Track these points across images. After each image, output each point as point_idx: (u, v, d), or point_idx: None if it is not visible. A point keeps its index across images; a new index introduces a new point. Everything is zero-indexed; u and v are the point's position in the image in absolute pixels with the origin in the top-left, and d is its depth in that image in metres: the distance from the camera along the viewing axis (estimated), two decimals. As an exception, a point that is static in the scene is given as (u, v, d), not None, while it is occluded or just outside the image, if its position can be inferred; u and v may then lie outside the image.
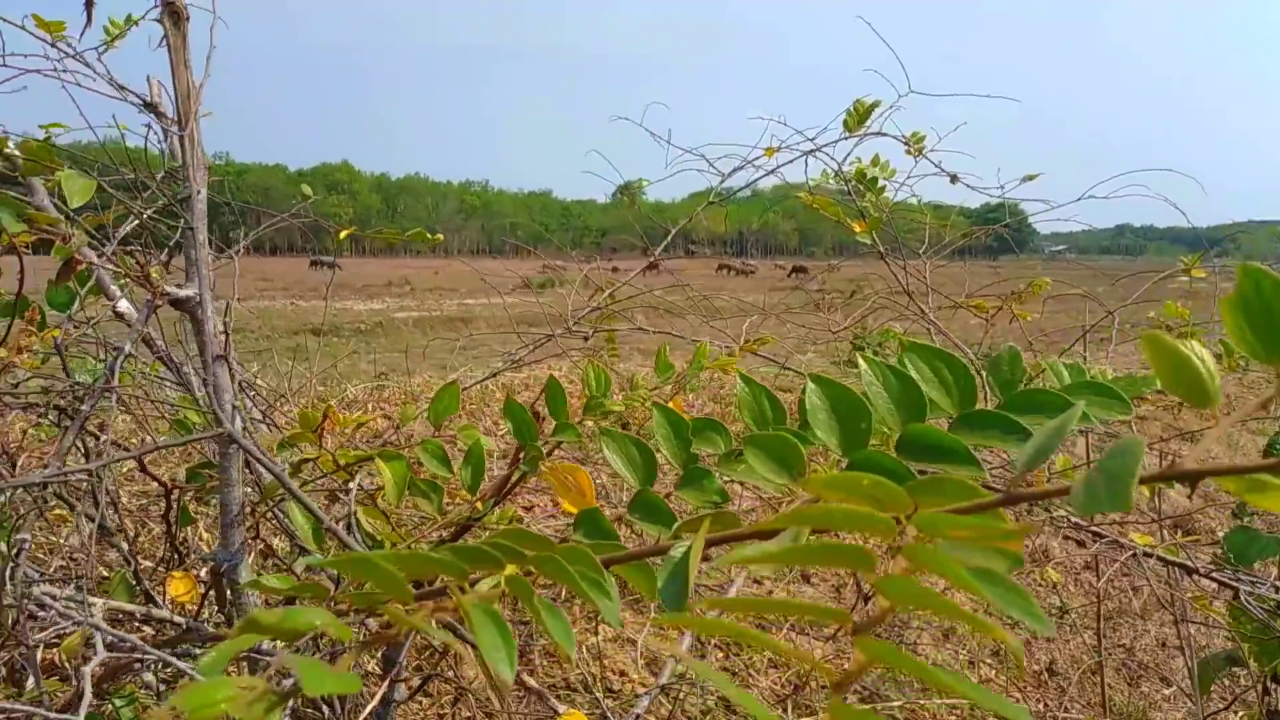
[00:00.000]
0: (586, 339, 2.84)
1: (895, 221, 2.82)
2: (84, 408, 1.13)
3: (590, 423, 1.15)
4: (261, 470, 1.26)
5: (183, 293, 1.17)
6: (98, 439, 1.54)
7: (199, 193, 1.21)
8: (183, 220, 1.20)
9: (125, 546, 1.53)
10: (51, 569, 2.28)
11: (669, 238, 3.46)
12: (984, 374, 0.71)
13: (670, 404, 0.78)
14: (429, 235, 1.96)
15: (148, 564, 1.94)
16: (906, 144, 2.44)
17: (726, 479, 0.72)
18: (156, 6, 1.25)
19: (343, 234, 2.04)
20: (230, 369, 1.21)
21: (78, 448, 1.52)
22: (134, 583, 1.41)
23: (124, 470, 3.11)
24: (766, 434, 0.64)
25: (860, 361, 0.67)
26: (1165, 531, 2.47)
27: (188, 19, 1.13)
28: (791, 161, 2.65)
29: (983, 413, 0.63)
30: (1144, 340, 0.44)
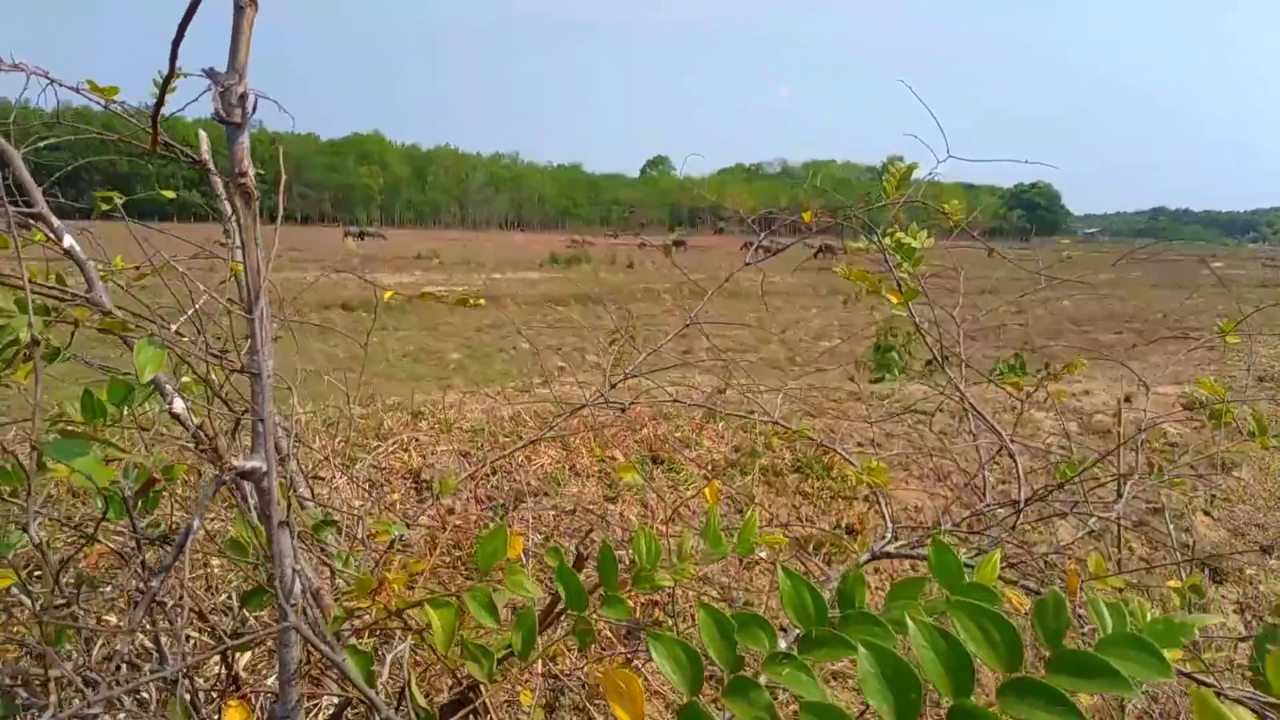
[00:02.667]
0: (624, 409, 2.75)
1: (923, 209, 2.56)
2: (154, 584, 1.13)
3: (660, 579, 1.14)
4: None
5: (249, 465, 1.14)
6: (164, 607, 1.57)
7: (267, 375, 1.19)
8: (251, 389, 1.18)
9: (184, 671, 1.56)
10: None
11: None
12: (1030, 617, 0.75)
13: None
14: (474, 301, 2.07)
15: (202, 683, 1.89)
16: (944, 213, 2.36)
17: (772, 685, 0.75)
18: (210, 86, 1.14)
19: (387, 295, 2.09)
20: (290, 530, 1.21)
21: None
22: (192, 713, 1.42)
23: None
24: (818, 704, 0.71)
25: (909, 623, 0.71)
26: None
27: (257, 198, 1.11)
28: (834, 220, 2.65)
29: (1029, 681, 0.67)
30: (1193, 699, 0.49)
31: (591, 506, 3.10)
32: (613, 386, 2.73)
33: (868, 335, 21.15)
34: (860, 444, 4.05)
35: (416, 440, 3.67)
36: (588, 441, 3.52)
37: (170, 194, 2.39)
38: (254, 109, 1.02)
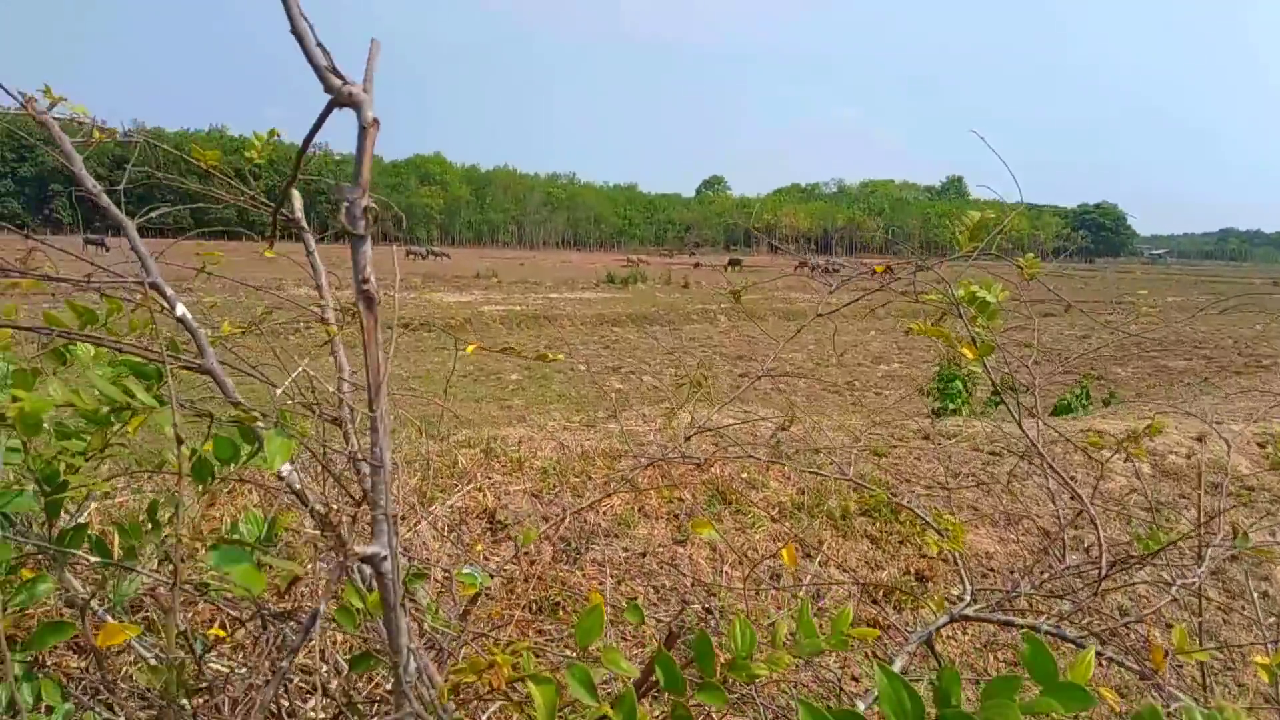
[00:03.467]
0: (700, 465, 2.65)
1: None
2: (283, 664, 1.18)
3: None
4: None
5: (370, 550, 1.16)
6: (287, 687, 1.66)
7: (388, 466, 1.17)
8: (371, 479, 1.17)
9: None
10: None
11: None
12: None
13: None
14: (553, 356, 2.09)
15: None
16: (1020, 267, 2.33)
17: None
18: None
19: (470, 348, 2.11)
20: (406, 610, 1.24)
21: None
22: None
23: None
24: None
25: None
26: None
27: (380, 302, 1.12)
28: (900, 279, 2.66)
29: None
30: None
31: (661, 550, 3.13)
32: (687, 439, 2.53)
33: (928, 359, 20.91)
34: (929, 486, 4.02)
35: (490, 480, 3.72)
36: (655, 482, 3.49)
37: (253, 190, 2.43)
38: (375, 221, 1.08)
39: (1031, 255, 2.52)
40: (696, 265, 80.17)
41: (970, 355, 2.27)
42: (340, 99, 1.02)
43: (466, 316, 26.62)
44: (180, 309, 1.66)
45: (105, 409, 1.29)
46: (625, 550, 3.15)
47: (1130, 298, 39.74)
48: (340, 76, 1.01)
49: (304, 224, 2.34)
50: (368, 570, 1.36)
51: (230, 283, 2.28)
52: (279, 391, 1.77)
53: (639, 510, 3.29)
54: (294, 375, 1.78)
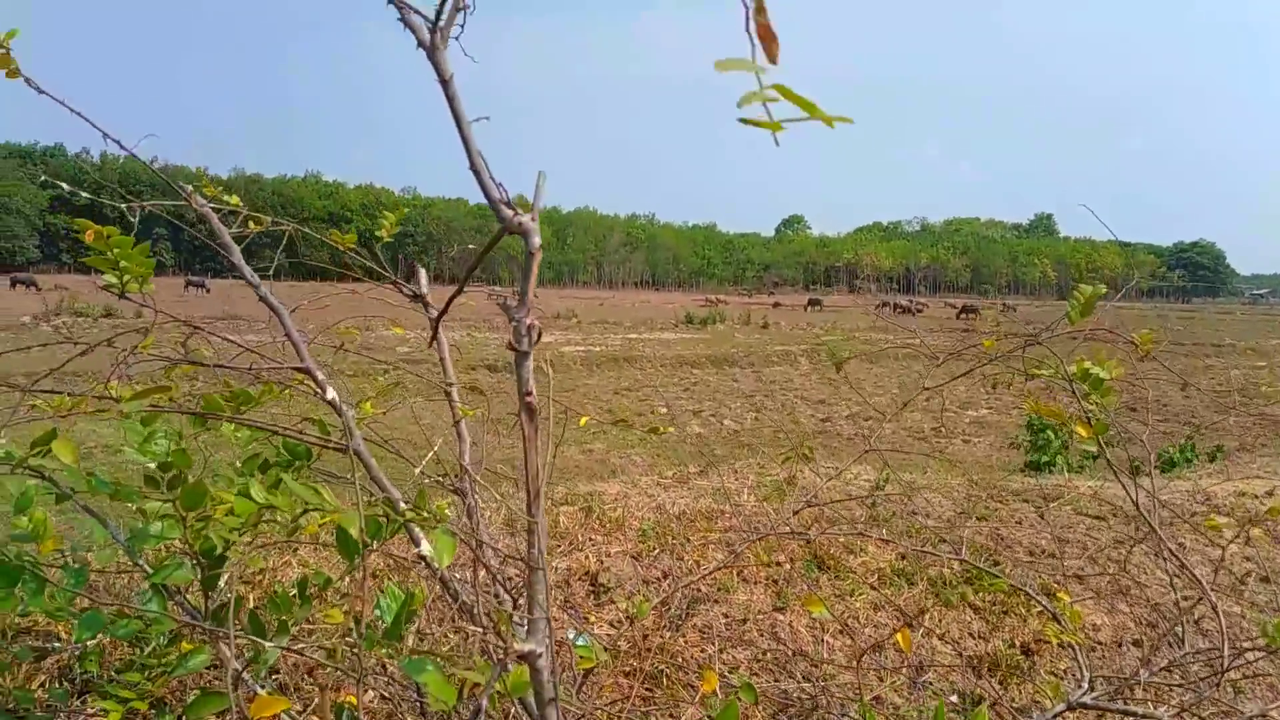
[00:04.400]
0: (808, 541, 2.67)
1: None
2: None
3: None
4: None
5: (525, 648, 1.22)
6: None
7: (544, 568, 1.23)
8: (529, 579, 1.25)
9: None
10: None
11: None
12: None
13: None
14: (664, 429, 2.23)
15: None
16: (1135, 344, 2.29)
17: None
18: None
19: (582, 421, 2.18)
20: (556, 705, 1.30)
21: None
22: None
23: None
24: None
25: None
26: None
27: (539, 413, 1.16)
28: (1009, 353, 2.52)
29: None
30: None
31: (761, 617, 3.13)
32: (795, 514, 2.54)
33: (1017, 404, 20.30)
34: (1032, 553, 3.92)
35: (591, 540, 3.76)
36: (754, 546, 3.48)
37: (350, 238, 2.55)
38: (538, 338, 1.16)
39: (1146, 331, 2.46)
40: (776, 305, 79.93)
41: (1084, 434, 2.23)
42: (511, 228, 1.09)
43: (548, 357, 26.85)
44: (330, 393, 1.77)
45: (299, 510, 1.37)
46: (725, 616, 3.16)
47: (1232, 341, 38.01)
48: (512, 208, 1.09)
49: (428, 299, 2.45)
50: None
51: (332, 325, 2.39)
52: (418, 470, 1.87)
53: (738, 574, 3.30)
54: (429, 455, 1.87)
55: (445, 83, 1.05)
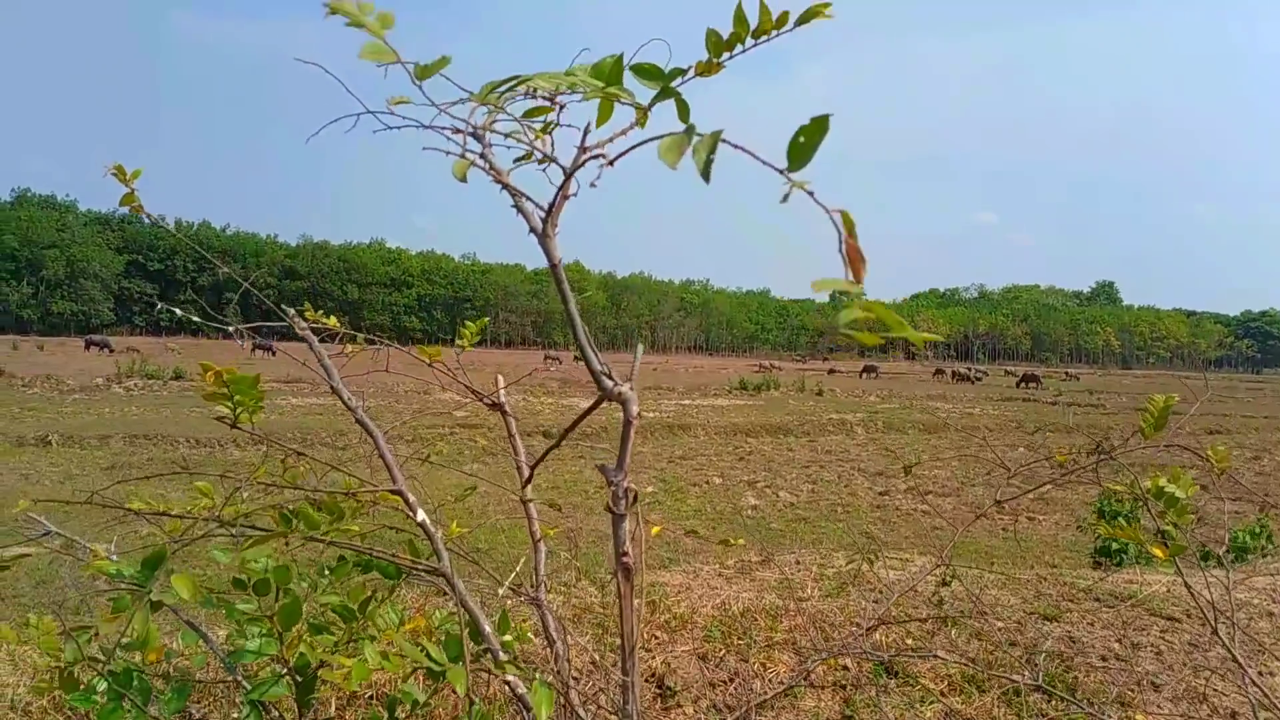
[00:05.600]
0: (884, 663, 2.66)
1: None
2: None
3: None
4: None
5: None
6: None
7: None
8: None
9: None
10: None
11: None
12: None
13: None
14: (734, 542, 2.37)
15: None
16: (1207, 459, 2.20)
17: None
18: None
19: (655, 530, 2.10)
20: None
21: None
22: None
23: None
24: None
25: None
26: None
27: (635, 572, 1.23)
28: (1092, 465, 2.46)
29: None
30: None
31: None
32: (869, 631, 2.53)
33: (1083, 481, 19.72)
34: (1104, 657, 3.81)
35: (655, 638, 3.74)
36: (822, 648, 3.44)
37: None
38: (634, 501, 1.22)
39: (1222, 448, 2.44)
40: (831, 371, 79.42)
41: (1160, 555, 2.21)
42: (611, 397, 1.16)
43: (603, 424, 26.76)
44: (420, 515, 1.85)
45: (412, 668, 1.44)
46: (793, 723, 3.13)
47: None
48: (613, 379, 1.16)
49: (507, 408, 2.53)
50: None
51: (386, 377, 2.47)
52: (502, 591, 1.93)
53: (805, 679, 3.27)
54: (516, 570, 1.94)
55: (555, 266, 1.14)
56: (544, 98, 1.36)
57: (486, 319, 2.81)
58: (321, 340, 2.05)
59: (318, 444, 20.83)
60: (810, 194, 0.78)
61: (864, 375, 72.57)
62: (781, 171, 0.80)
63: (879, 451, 24.05)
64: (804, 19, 1.32)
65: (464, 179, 1.15)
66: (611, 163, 1.01)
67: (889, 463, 21.67)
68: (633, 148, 1.04)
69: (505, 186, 1.18)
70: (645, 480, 18.81)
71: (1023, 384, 61.45)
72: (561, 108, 1.36)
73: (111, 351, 55.57)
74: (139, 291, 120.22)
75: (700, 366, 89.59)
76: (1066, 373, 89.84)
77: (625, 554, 1.20)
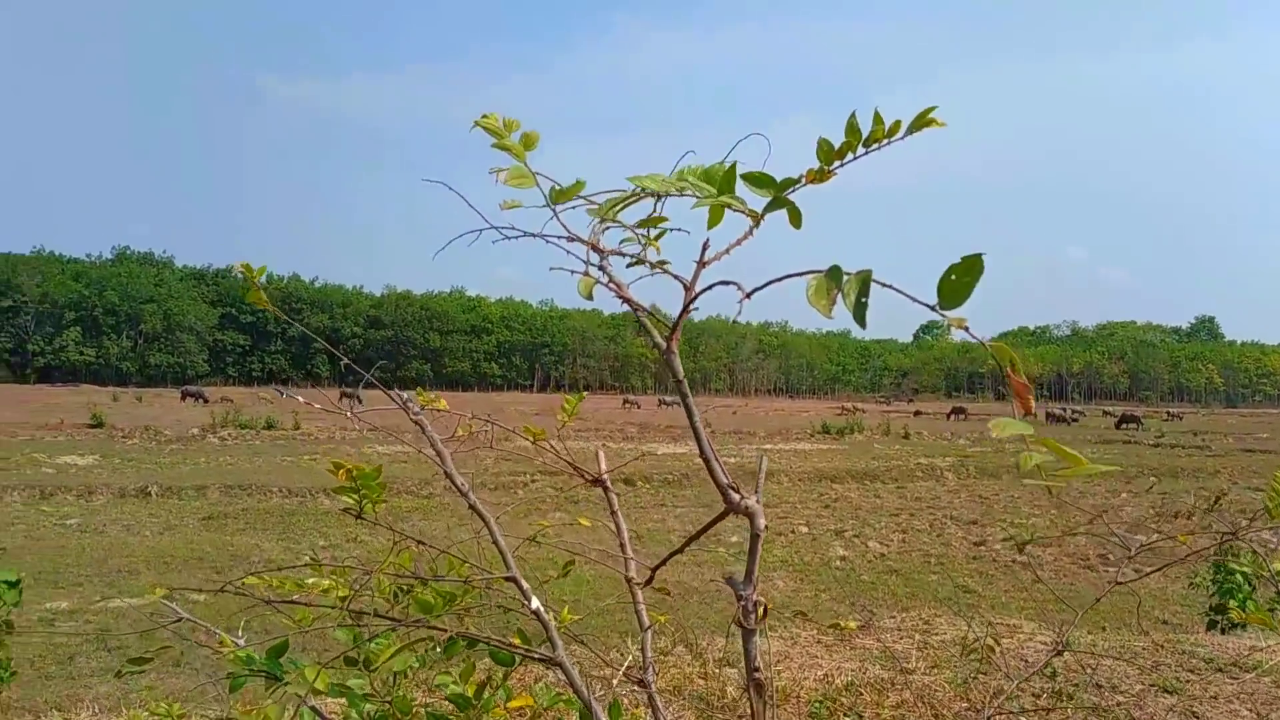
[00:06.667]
0: None
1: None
2: None
3: None
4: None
5: None
6: None
7: None
8: None
9: None
10: None
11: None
12: None
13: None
14: (846, 625, 2.64)
15: None
16: None
17: None
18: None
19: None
20: None
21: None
22: None
23: None
24: None
25: None
26: None
27: (768, 688, 1.22)
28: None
29: None
30: None
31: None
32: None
33: (1191, 528, 18.74)
34: (1235, 734, 3.59)
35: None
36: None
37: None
38: (764, 615, 1.21)
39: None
40: (916, 413, 77.55)
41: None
42: (737, 510, 1.17)
43: (683, 470, 26.43)
44: (535, 603, 1.87)
45: None
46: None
47: None
48: (739, 492, 1.17)
49: (608, 484, 2.54)
50: None
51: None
52: (615, 681, 1.94)
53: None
54: (628, 661, 1.94)
55: (680, 381, 1.16)
56: (651, 194, 1.40)
57: (584, 393, 2.85)
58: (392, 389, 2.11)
59: (403, 492, 21.26)
60: (966, 329, 0.79)
61: (952, 417, 70.72)
62: (933, 308, 0.81)
63: (972, 499, 23.29)
64: (915, 127, 1.33)
65: (590, 297, 1.18)
66: (749, 295, 1.03)
67: (983, 511, 20.97)
68: (769, 283, 1.06)
69: (627, 301, 1.22)
70: (730, 529, 18.61)
71: (1122, 425, 58.98)
72: (657, 199, 1.40)
73: (206, 401, 57.80)
74: (231, 343, 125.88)
75: (781, 409, 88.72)
76: (1168, 412, 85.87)
77: (757, 669, 1.19)
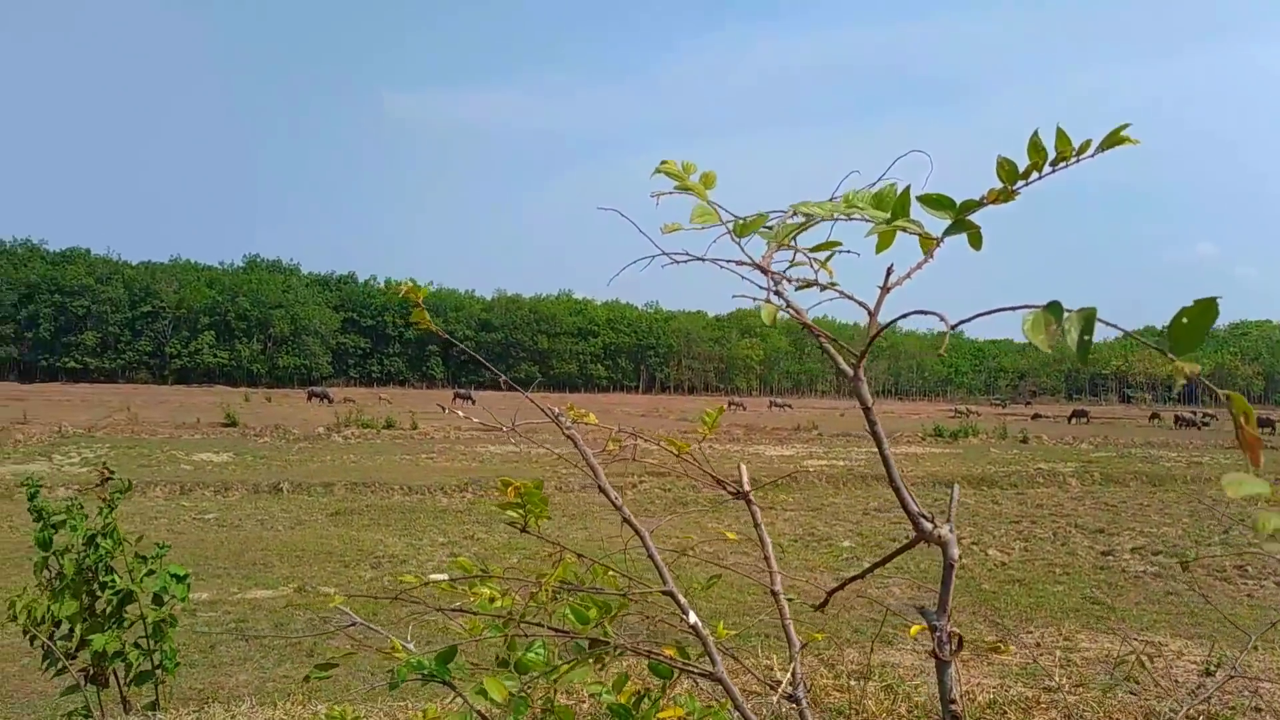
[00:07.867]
0: None
1: None
2: None
3: None
4: None
5: None
6: None
7: None
8: None
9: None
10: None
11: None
12: None
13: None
14: (1004, 649, 2.73)
15: None
16: None
17: None
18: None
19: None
20: None
21: None
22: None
23: None
24: None
25: None
26: None
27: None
28: None
29: None
30: None
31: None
32: None
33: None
34: None
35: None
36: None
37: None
38: (959, 647, 1.20)
39: None
40: (1035, 417, 74.41)
41: None
42: (930, 539, 1.16)
43: (789, 472, 26.03)
44: (693, 617, 1.90)
45: None
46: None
47: None
48: (930, 520, 1.16)
49: (750, 496, 2.55)
50: None
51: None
52: (776, 699, 1.94)
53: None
54: (789, 673, 1.95)
55: (867, 409, 1.16)
56: (816, 217, 1.40)
57: (724, 407, 2.86)
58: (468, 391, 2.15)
59: (518, 492, 21.64)
60: (1199, 379, 0.77)
61: (1073, 420, 67.64)
62: (1164, 352, 0.79)
63: (1097, 506, 22.22)
64: (1105, 145, 1.29)
65: (774, 323, 1.19)
66: (954, 328, 1.02)
67: (1110, 519, 19.99)
68: (977, 315, 1.05)
69: (807, 327, 1.22)
70: (842, 533, 18.30)
71: (1261, 428, 55.19)
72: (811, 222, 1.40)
73: (330, 402, 60.36)
74: (353, 345, 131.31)
75: (891, 411, 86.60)
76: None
77: (953, 702, 1.18)
